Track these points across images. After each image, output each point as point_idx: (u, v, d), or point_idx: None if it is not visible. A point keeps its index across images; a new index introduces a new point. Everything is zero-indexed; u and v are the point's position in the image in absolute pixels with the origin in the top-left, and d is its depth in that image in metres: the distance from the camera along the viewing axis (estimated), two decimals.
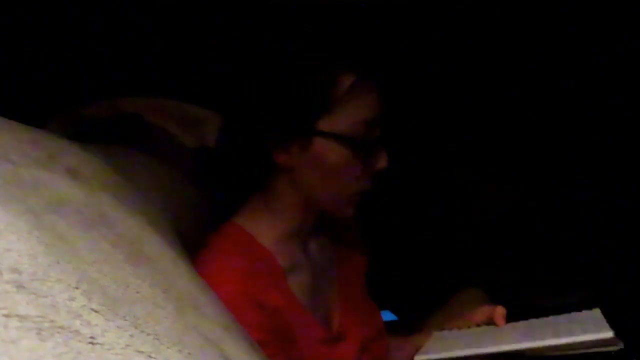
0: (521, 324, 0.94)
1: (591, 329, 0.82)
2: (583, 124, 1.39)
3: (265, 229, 0.92)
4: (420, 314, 1.25)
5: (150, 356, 0.41)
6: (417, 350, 0.94)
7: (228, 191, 0.99)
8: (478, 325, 0.98)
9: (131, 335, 0.41)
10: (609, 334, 0.79)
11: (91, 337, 0.39)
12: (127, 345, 0.40)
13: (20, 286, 0.39)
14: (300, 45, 0.89)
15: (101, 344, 0.39)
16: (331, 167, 0.88)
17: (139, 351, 0.41)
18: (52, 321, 0.38)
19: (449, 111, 1.40)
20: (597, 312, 0.90)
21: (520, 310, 1.01)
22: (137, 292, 0.47)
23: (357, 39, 0.94)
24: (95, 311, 0.41)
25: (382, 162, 0.90)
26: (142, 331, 0.42)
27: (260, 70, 0.90)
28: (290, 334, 0.87)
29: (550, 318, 0.94)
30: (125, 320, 0.42)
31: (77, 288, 0.42)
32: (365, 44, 0.94)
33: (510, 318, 0.96)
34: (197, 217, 0.92)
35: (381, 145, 0.90)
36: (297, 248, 0.94)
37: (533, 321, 0.94)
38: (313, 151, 0.87)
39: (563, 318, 0.92)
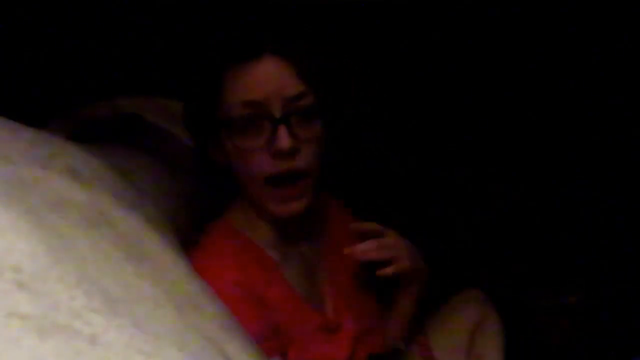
0: None
1: None
2: (583, 124, 1.39)
3: (252, 222, 0.93)
4: (420, 314, 1.24)
5: (150, 355, 0.41)
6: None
7: (225, 188, 0.99)
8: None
9: (132, 335, 0.41)
10: None
11: (92, 337, 0.39)
12: (128, 345, 0.40)
13: (21, 285, 0.39)
14: (202, 41, 0.95)
15: (102, 344, 0.39)
16: (234, 153, 0.88)
17: (139, 350, 0.40)
18: (52, 320, 0.38)
19: (449, 111, 1.40)
20: None
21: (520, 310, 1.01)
22: (138, 292, 0.47)
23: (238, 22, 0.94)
24: (96, 311, 0.41)
25: (281, 142, 0.86)
26: (143, 330, 0.42)
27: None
28: (287, 325, 0.88)
29: None
30: (126, 319, 0.42)
31: (77, 287, 0.41)
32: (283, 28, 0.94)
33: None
34: (196, 216, 0.92)
35: (280, 125, 0.86)
36: (287, 240, 0.95)
37: None
38: (223, 143, 0.89)
39: None
